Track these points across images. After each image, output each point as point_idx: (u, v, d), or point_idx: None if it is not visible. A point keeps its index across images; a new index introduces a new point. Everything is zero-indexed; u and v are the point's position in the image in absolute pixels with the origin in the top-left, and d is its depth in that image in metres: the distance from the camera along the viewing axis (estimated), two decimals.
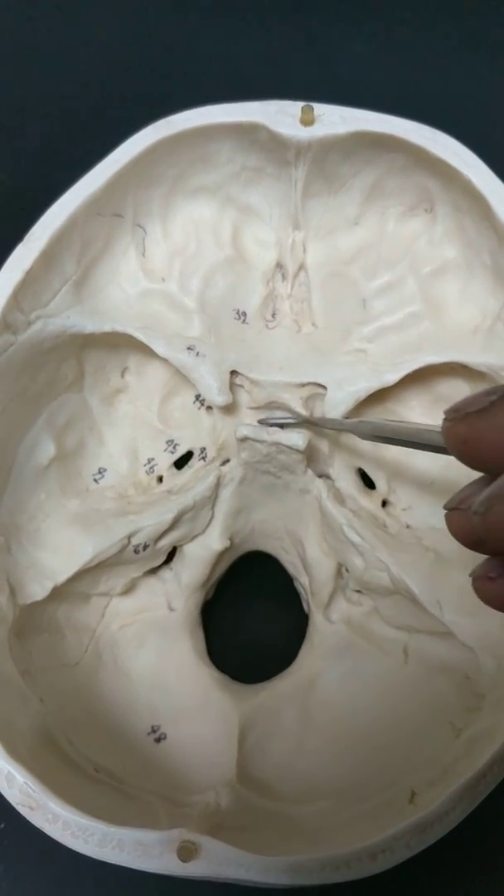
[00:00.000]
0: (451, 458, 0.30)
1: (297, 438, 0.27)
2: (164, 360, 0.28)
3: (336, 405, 0.27)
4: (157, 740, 0.28)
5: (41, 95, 0.39)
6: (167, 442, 0.31)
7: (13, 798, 0.21)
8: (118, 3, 0.41)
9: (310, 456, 0.28)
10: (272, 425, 0.27)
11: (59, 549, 0.27)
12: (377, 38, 0.41)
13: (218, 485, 0.29)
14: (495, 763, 0.21)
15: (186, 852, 0.20)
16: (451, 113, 0.35)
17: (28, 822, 0.21)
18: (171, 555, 0.30)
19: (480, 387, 0.27)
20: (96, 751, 0.26)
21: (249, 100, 0.26)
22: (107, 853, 0.21)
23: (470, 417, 0.14)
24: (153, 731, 0.28)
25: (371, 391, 0.27)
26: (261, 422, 0.28)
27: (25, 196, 0.28)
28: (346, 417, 0.29)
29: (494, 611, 0.26)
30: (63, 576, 0.27)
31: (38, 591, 0.27)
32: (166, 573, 0.30)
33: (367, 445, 0.30)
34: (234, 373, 0.28)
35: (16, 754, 0.22)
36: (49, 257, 0.25)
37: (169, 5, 0.41)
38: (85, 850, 0.21)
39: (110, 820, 0.21)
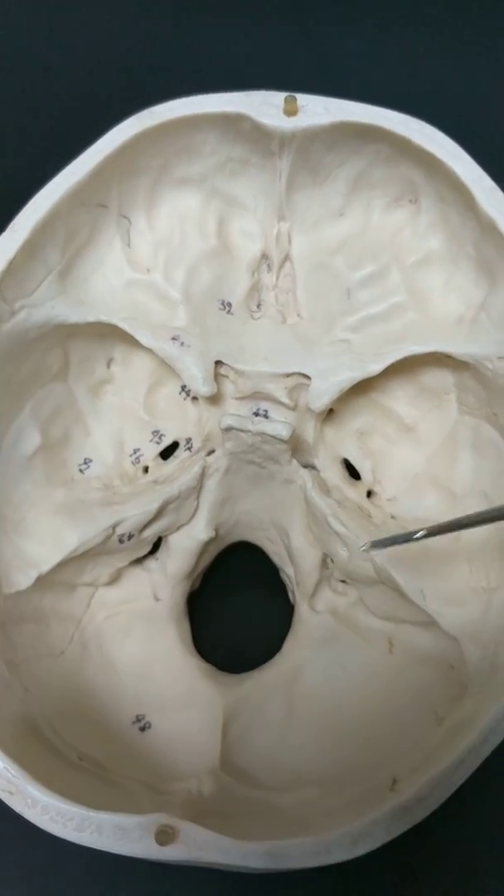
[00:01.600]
0: (437, 450, 0.30)
1: (282, 428, 0.27)
2: (150, 351, 0.28)
3: (320, 395, 0.27)
4: (142, 729, 0.28)
5: (29, 87, 0.40)
6: (153, 432, 0.31)
7: None
8: None
9: (294, 446, 0.28)
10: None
11: (43, 539, 0.28)
12: (371, 34, 0.41)
13: (203, 475, 0.29)
14: (473, 749, 0.21)
15: (164, 836, 0.20)
16: (442, 107, 0.35)
17: (10, 809, 0.21)
18: (157, 545, 0.30)
19: (465, 377, 0.28)
20: (80, 739, 0.26)
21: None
22: (85, 837, 0.21)
23: None
24: (138, 720, 0.28)
25: (355, 381, 0.27)
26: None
27: (11, 186, 0.28)
28: (330, 409, 0.30)
29: (477, 600, 0.26)
30: (47, 565, 0.27)
31: (22, 580, 0.27)
32: (152, 563, 0.30)
33: (351, 436, 0.30)
34: (218, 363, 0.28)
35: None
36: (33, 247, 0.25)
37: (164, 1, 0.41)
38: (63, 835, 0.21)
39: (92, 806, 0.21)
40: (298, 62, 0.40)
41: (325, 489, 0.29)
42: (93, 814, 0.21)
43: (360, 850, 0.20)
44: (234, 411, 0.29)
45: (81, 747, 0.26)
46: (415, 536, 0.24)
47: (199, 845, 0.21)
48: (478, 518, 0.22)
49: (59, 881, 0.29)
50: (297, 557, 0.29)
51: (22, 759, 0.22)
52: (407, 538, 0.24)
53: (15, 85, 0.40)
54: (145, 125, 0.26)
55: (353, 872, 0.29)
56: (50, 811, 0.21)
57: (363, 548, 0.26)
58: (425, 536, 0.24)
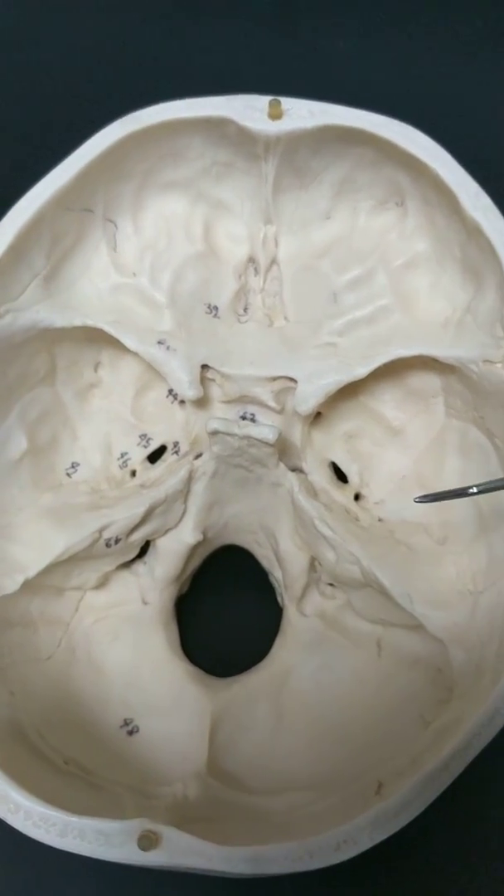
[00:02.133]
0: (424, 453, 0.30)
1: (268, 432, 0.27)
2: (138, 355, 0.28)
3: (306, 398, 0.27)
4: (130, 733, 0.28)
5: (12, 91, 0.40)
6: (140, 436, 0.31)
7: None
8: (98, 1, 0.41)
9: (282, 449, 0.28)
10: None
11: (30, 543, 0.28)
12: (358, 37, 0.41)
13: (190, 479, 0.29)
14: (458, 753, 0.21)
15: (147, 842, 0.20)
16: (429, 110, 0.35)
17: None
18: (145, 549, 0.30)
19: (451, 380, 0.28)
20: (67, 744, 0.26)
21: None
22: (67, 843, 0.21)
23: None
24: (126, 724, 0.28)
25: (341, 385, 0.27)
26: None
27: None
28: (318, 413, 0.29)
29: (463, 603, 0.26)
30: (34, 570, 0.27)
31: (8, 584, 0.27)
32: (140, 567, 0.30)
33: (339, 439, 0.30)
34: (205, 367, 0.28)
35: None
36: (17, 251, 0.25)
37: (151, 3, 0.41)
38: (46, 840, 0.21)
39: (76, 811, 0.21)
40: (286, 65, 0.40)
41: (313, 492, 0.29)
42: (75, 819, 0.21)
43: (343, 856, 0.20)
44: (221, 415, 0.29)
45: (68, 752, 0.26)
46: (469, 491, 0.24)
47: (182, 851, 0.20)
48: None
49: (57, 884, 0.29)
50: (285, 561, 0.29)
51: (6, 764, 0.22)
52: (460, 493, 0.24)
53: None
54: (129, 130, 0.26)
55: (355, 872, 0.28)
56: (33, 816, 0.21)
57: (417, 500, 0.25)
58: (479, 492, 0.24)
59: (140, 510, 0.28)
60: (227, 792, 0.26)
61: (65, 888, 0.29)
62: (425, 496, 0.25)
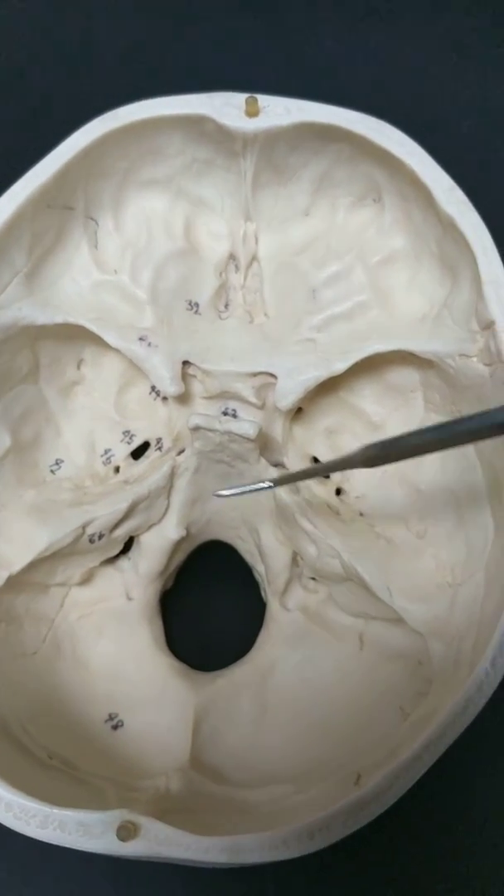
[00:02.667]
0: None
1: (248, 427, 0.27)
2: (120, 353, 0.28)
3: (286, 394, 0.27)
4: (114, 728, 0.28)
5: (1, 91, 0.40)
6: (124, 433, 0.31)
7: None
8: (84, 1, 0.42)
9: (263, 445, 0.29)
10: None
11: (14, 539, 0.28)
12: (337, 34, 0.41)
13: (173, 474, 0.29)
14: (431, 744, 0.21)
15: (126, 832, 0.21)
16: (407, 106, 0.35)
17: None
18: (129, 544, 0.31)
19: (430, 375, 0.28)
20: (51, 738, 0.26)
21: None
22: (48, 834, 0.21)
23: None
24: (110, 718, 0.28)
25: (320, 380, 0.27)
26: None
27: None
28: (299, 408, 0.30)
29: (442, 596, 0.26)
30: (18, 566, 0.27)
31: None
32: (124, 563, 0.31)
33: (320, 435, 0.30)
34: (186, 363, 0.28)
35: None
36: None
37: (131, 1, 0.42)
38: (27, 832, 0.21)
39: (58, 803, 0.21)
40: (266, 63, 0.40)
41: (294, 487, 0.29)
42: (56, 810, 0.21)
43: (318, 845, 0.21)
44: (202, 411, 0.29)
45: (52, 746, 0.26)
46: (263, 485, 0.25)
47: (160, 841, 0.21)
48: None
49: (33, 878, 0.29)
50: (267, 556, 0.30)
51: None
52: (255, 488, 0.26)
53: None
54: (109, 127, 0.26)
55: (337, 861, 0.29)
56: (13, 808, 0.21)
57: (215, 495, 0.26)
58: (276, 485, 0.25)
59: (123, 506, 0.28)
60: (210, 785, 0.26)
61: (50, 880, 0.29)
62: (221, 493, 0.26)
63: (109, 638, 0.30)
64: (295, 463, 0.30)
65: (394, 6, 0.41)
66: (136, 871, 0.29)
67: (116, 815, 0.21)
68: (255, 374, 0.28)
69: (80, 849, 0.21)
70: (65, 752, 0.26)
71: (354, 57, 0.40)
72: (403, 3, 0.41)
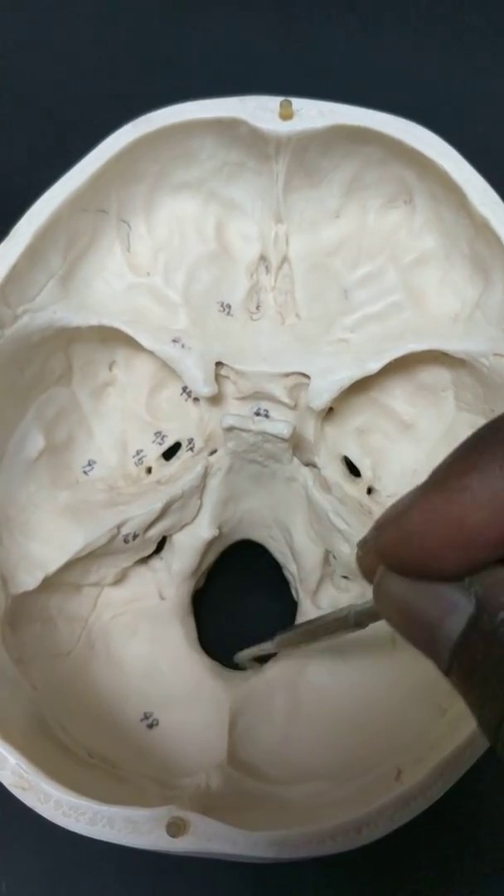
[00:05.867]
0: (436, 446, 0.30)
1: (282, 427, 0.27)
2: (152, 354, 0.28)
3: (320, 394, 0.28)
4: (150, 726, 0.29)
5: (28, 94, 0.40)
6: (155, 434, 0.31)
7: (6, 779, 0.22)
8: (105, 3, 0.42)
9: (295, 444, 0.29)
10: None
11: (49, 540, 0.28)
12: (360, 36, 0.41)
13: (206, 474, 0.29)
14: (476, 738, 0.22)
15: (175, 828, 0.21)
16: (433, 107, 0.35)
17: (25, 808, 0.21)
18: (162, 544, 0.31)
19: (461, 374, 0.28)
20: (90, 737, 0.27)
21: (233, 96, 0.27)
22: (97, 831, 0.21)
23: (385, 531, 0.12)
24: (146, 717, 0.29)
25: (354, 380, 0.27)
26: None
27: (12, 192, 0.28)
28: (330, 408, 0.30)
29: None
30: (53, 566, 0.27)
31: (29, 581, 0.27)
32: (157, 563, 0.31)
33: (351, 434, 0.31)
34: (219, 364, 0.28)
35: (8, 738, 0.22)
36: (34, 252, 0.26)
37: (153, 4, 0.42)
38: (76, 829, 0.21)
39: (103, 800, 0.21)
40: (284, 65, 0.41)
41: (326, 487, 0.29)
42: (105, 807, 0.21)
43: (365, 840, 0.21)
44: (235, 411, 0.29)
45: (90, 745, 0.26)
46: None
47: (209, 836, 0.21)
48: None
49: (73, 877, 0.29)
50: (299, 555, 0.30)
51: (33, 756, 0.22)
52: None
53: (12, 92, 0.40)
54: (143, 131, 0.26)
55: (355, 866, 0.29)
56: (63, 806, 0.21)
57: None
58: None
59: (157, 506, 0.28)
60: (248, 782, 0.26)
61: (86, 878, 0.29)
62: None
63: (142, 637, 0.30)
64: (326, 462, 0.30)
65: (409, 6, 0.41)
66: (167, 869, 0.29)
67: (165, 812, 0.21)
68: (287, 375, 0.28)
69: (128, 845, 0.21)
70: (104, 751, 0.26)
71: (375, 59, 0.41)
72: (420, 3, 0.41)
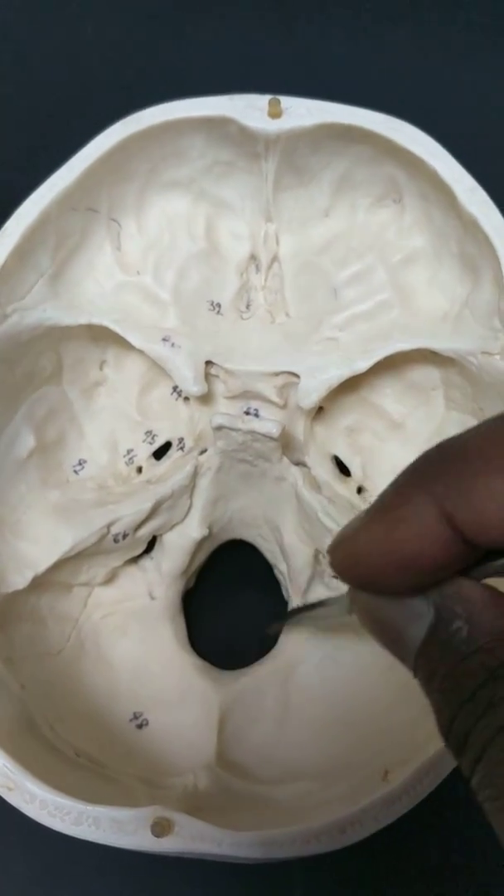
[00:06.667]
0: (425, 446, 0.30)
1: (272, 426, 0.27)
2: (142, 353, 0.28)
3: (309, 393, 0.28)
4: (139, 727, 0.29)
5: (16, 93, 0.40)
6: (146, 433, 0.31)
7: None
8: (94, 2, 0.42)
9: (285, 444, 0.29)
10: None
11: (39, 540, 0.28)
12: (352, 35, 0.41)
13: (196, 474, 0.29)
14: None
15: (160, 828, 0.21)
16: (424, 107, 0.35)
17: (11, 808, 0.21)
18: (152, 544, 0.31)
19: (450, 373, 0.28)
20: (78, 736, 0.27)
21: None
22: (82, 831, 0.21)
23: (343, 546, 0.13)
24: (135, 717, 0.29)
25: (343, 379, 0.27)
26: None
27: (1, 192, 0.28)
28: (320, 407, 0.30)
29: None
30: (43, 565, 0.27)
31: (18, 580, 0.27)
32: (147, 562, 0.31)
33: (341, 433, 0.31)
34: (209, 363, 0.28)
35: None
36: (23, 252, 0.26)
37: (148, 3, 0.42)
38: (61, 829, 0.21)
39: (89, 800, 0.21)
40: (281, 64, 0.41)
41: (316, 486, 0.29)
42: (90, 807, 0.21)
43: (350, 839, 0.21)
44: (224, 410, 0.29)
45: (78, 744, 0.26)
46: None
47: (194, 837, 0.21)
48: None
49: (62, 877, 0.29)
50: (289, 554, 0.30)
51: (20, 756, 0.22)
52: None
53: (4, 91, 0.40)
54: (132, 130, 0.26)
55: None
56: (48, 806, 0.21)
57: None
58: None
59: (147, 505, 0.28)
60: (237, 782, 0.26)
61: (74, 878, 0.29)
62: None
63: (132, 637, 0.30)
64: (316, 462, 0.30)
65: (407, 6, 0.41)
66: (159, 869, 0.29)
67: (150, 812, 0.21)
68: (277, 374, 0.28)
69: (113, 845, 0.21)
70: (92, 751, 0.26)
71: (367, 59, 0.40)
72: (418, 3, 0.41)
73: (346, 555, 0.13)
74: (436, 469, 0.12)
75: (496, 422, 0.12)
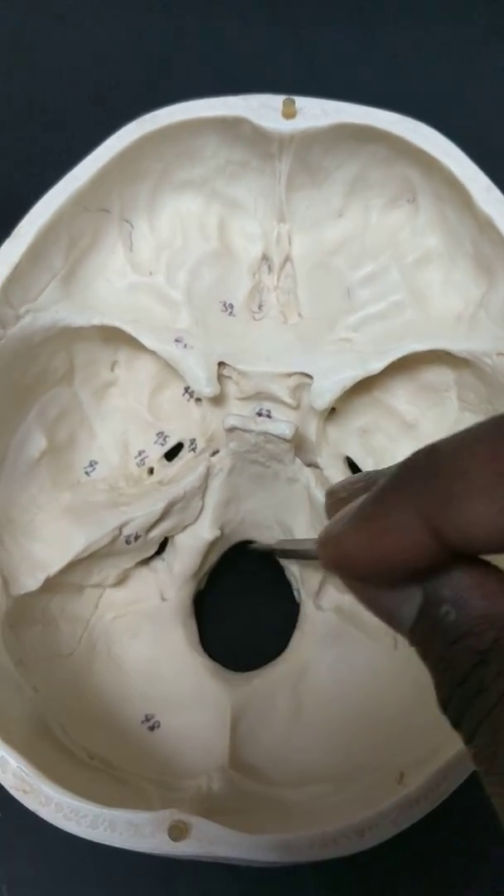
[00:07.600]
0: None
1: (285, 427, 0.27)
2: (154, 354, 0.28)
3: (322, 394, 0.27)
4: (151, 728, 0.28)
5: (30, 93, 0.40)
6: (157, 434, 0.31)
7: (7, 782, 0.21)
8: (107, 3, 0.42)
9: (297, 445, 0.29)
10: None
11: (51, 541, 0.28)
12: (363, 34, 0.41)
13: (207, 475, 0.29)
14: None
15: (177, 832, 0.21)
16: (437, 107, 0.35)
17: (25, 810, 0.21)
18: (163, 545, 0.31)
19: (464, 374, 0.28)
20: (90, 739, 0.27)
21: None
22: (99, 834, 0.21)
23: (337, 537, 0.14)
24: (147, 719, 0.29)
25: (357, 379, 0.27)
26: None
27: (14, 192, 0.28)
28: (333, 408, 0.30)
29: None
30: (55, 567, 0.27)
31: (30, 582, 0.27)
32: (158, 564, 0.31)
33: (353, 434, 0.30)
34: (221, 364, 0.28)
35: (10, 740, 0.22)
36: (36, 252, 0.25)
37: (156, 4, 0.42)
38: (77, 832, 0.21)
39: (103, 803, 0.21)
40: (292, 64, 0.40)
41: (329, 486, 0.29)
42: (106, 811, 0.21)
43: (368, 843, 0.21)
44: (237, 412, 0.29)
45: (91, 746, 0.26)
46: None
47: (211, 840, 0.21)
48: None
49: (74, 880, 0.29)
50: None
51: (34, 759, 0.22)
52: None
53: (14, 91, 0.40)
54: (146, 130, 0.26)
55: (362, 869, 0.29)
56: (64, 809, 0.21)
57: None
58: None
59: (159, 507, 0.28)
60: (250, 784, 0.26)
61: (86, 881, 0.29)
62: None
63: (144, 639, 0.30)
64: (329, 462, 0.30)
65: (417, 5, 0.41)
66: (175, 870, 0.29)
67: (166, 815, 0.21)
68: (290, 375, 0.28)
69: (130, 849, 0.21)
70: (104, 753, 0.26)
71: (378, 58, 0.40)
72: (431, 2, 0.41)
73: (335, 552, 0.13)
74: (423, 484, 0.12)
75: (487, 431, 0.12)
